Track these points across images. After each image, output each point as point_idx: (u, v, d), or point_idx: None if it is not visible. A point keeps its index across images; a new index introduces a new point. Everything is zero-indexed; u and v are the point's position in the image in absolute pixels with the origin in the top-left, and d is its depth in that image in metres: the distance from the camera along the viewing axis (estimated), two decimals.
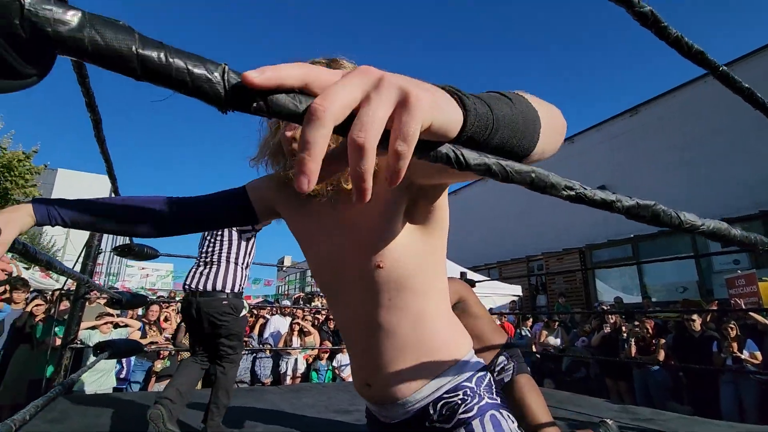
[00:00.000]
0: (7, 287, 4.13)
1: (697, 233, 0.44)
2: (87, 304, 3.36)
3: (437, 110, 0.26)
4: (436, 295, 0.69)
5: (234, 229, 2.57)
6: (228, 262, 2.50)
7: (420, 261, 0.65)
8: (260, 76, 0.22)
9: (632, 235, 8.27)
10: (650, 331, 4.51)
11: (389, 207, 0.62)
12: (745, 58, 7.18)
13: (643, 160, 8.33)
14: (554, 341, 6.13)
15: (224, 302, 2.39)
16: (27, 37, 0.19)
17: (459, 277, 4.19)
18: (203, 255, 2.54)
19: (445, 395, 0.66)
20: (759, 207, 6.58)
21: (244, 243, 2.57)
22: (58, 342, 3.99)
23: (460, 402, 0.65)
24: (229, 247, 2.52)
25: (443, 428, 0.65)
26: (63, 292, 4.02)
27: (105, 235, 3.08)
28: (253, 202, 0.78)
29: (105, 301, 3.87)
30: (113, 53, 0.20)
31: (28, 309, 4.32)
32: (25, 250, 0.80)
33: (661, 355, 4.29)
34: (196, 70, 0.21)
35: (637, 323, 4.70)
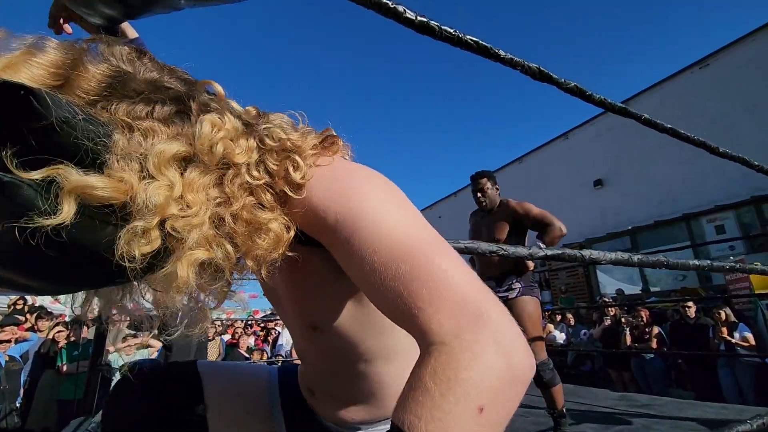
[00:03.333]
0: (29, 316, 4.34)
1: (601, 264, 0.62)
2: (110, 327, 3.55)
3: None
4: (396, 360, 0.61)
5: None
6: None
7: (364, 329, 0.58)
8: None
9: (630, 227, 8.42)
10: (644, 320, 4.68)
11: (314, 274, 0.54)
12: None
13: (638, 152, 8.46)
14: (559, 336, 6.30)
15: None
16: None
17: None
18: None
19: None
20: (751, 193, 6.73)
21: None
22: (81, 366, 4.19)
23: None
24: None
25: None
26: (78, 317, 4.14)
27: None
28: None
29: (127, 324, 4.06)
30: None
31: (50, 336, 4.52)
32: None
33: (654, 343, 4.45)
34: None
35: (633, 313, 4.87)
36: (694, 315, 4.45)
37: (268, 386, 0.75)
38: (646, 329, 4.65)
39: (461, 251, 0.48)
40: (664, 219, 7.96)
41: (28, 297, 6.64)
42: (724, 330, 3.88)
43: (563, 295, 8.77)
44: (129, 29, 0.81)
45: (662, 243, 7.88)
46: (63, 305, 10.35)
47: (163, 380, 0.69)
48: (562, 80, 0.69)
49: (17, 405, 3.85)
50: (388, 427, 0.53)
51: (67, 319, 5.87)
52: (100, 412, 2.24)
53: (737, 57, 7.20)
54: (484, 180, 2.58)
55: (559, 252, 0.56)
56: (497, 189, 2.62)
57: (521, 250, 0.53)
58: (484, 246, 0.50)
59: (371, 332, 0.58)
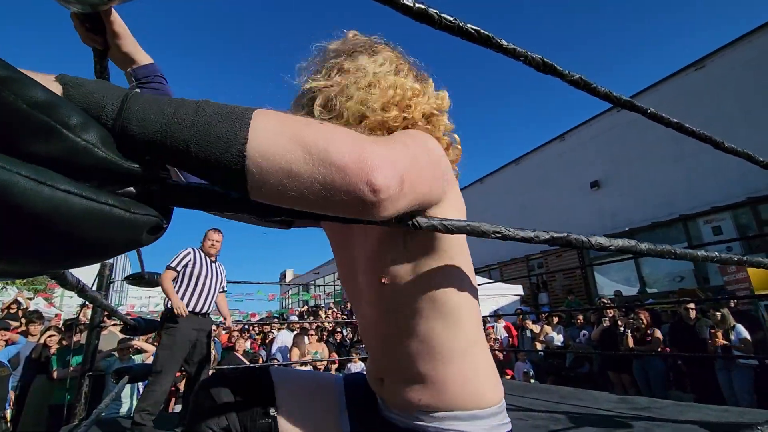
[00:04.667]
0: (23, 320, 4.26)
1: (608, 251, 0.59)
2: (101, 331, 3.47)
3: None
4: (453, 324, 0.64)
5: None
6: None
7: (425, 284, 0.63)
8: None
9: (627, 229, 8.42)
10: (644, 321, 4.65)
11: (386, 232, 0.64)
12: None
13: (635, 153, 8.47)
14: (557, 337, 6.25)
15: None
16: None
17: None
18: None
19: None
20: (747, 194, 6.74)
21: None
22: (73, 371, 4.11)
23: None
24: None
25: None
26: (71, 321, 4.07)
27: (116, 264, 3.24)
28: None
29: (120, 328, 3.99)
30: None
31: (42, 341, 4.44)
32: (81, 287, 0.94)
33: (656, 345, 4.41)
34: None
35: (632, 315, 4.84)
36: (694, 316, 4.43)
37: (335, 390, 0.81)
38: (648, 331, 4.62)
39: (464, 231, 0.44)
40: (661, 220, 7.96)
41: (21, 301, 6.56)
42: (719, 334, 3.85)
43: (569, 297, 8.76)
44: (141, 54, 0.79)
45: (659, 244, 7.86)
46: (58, 309, 10.27)
47: (241, 382, 0.77)
48: (567, 72, 0.66)
49: (5, 412, 3.76)
50: (453, 424, 0.62)
51: (60, 323, 5.79)
52: (90, 418, 2.19)
53: (733, 58, 7.23)
54: None
55: (564, 235, 0.52)
56: None
57: (526, 233, 0.50)
58: (486, 226, 0.47)
59: (434, 286, 0.62)
